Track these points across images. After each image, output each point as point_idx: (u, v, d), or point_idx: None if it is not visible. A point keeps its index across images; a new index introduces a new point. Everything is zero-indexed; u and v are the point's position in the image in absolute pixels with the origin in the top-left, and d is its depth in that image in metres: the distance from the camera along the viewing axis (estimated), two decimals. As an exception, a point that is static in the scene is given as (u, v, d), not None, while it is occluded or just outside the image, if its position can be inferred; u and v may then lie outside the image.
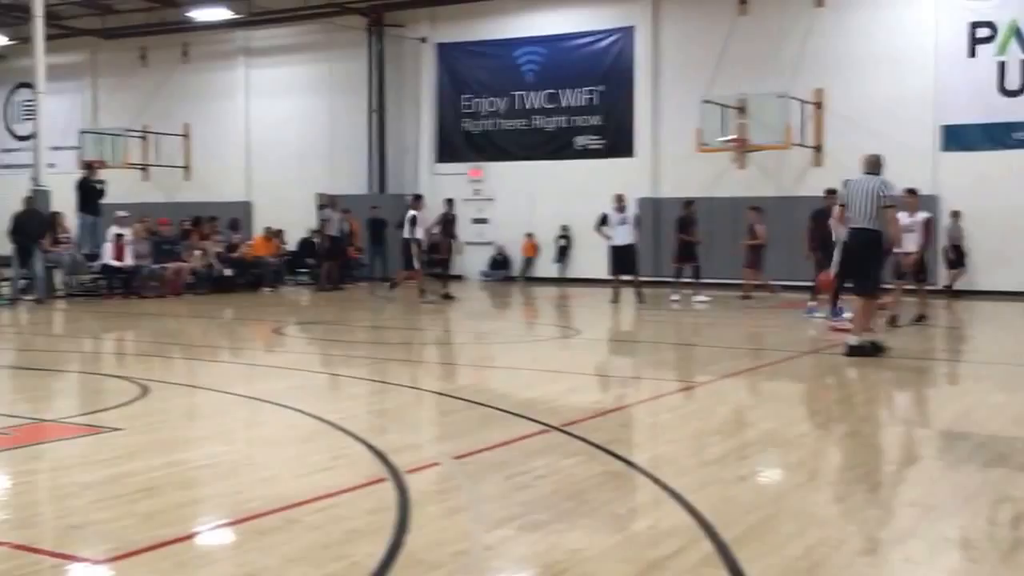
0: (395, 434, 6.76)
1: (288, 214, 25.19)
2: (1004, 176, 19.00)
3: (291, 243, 24.02)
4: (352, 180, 26.09)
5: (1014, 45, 19.55)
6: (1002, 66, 19.61)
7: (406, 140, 26.39)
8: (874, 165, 10.44)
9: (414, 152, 26.24)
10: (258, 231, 24.53)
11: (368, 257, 24.06)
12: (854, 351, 10.21)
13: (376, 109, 26.13)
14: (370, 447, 6.01)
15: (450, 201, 20.93)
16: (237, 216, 24.46)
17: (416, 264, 17.94)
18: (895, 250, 12.16)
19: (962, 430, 7.13)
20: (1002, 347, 12.41)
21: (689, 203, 18.67)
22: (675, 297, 17.87)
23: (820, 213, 14.62)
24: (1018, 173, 18.84)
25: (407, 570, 3.92)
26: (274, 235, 22.93)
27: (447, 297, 18.28)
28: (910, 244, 12.92)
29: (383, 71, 26.14)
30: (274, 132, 27.61)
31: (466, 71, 25.40)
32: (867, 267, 10.41)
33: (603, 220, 17.70)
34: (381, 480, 5.25)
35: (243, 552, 4.22)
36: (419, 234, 17.86)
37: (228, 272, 20.83)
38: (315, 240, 23.26)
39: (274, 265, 22.22)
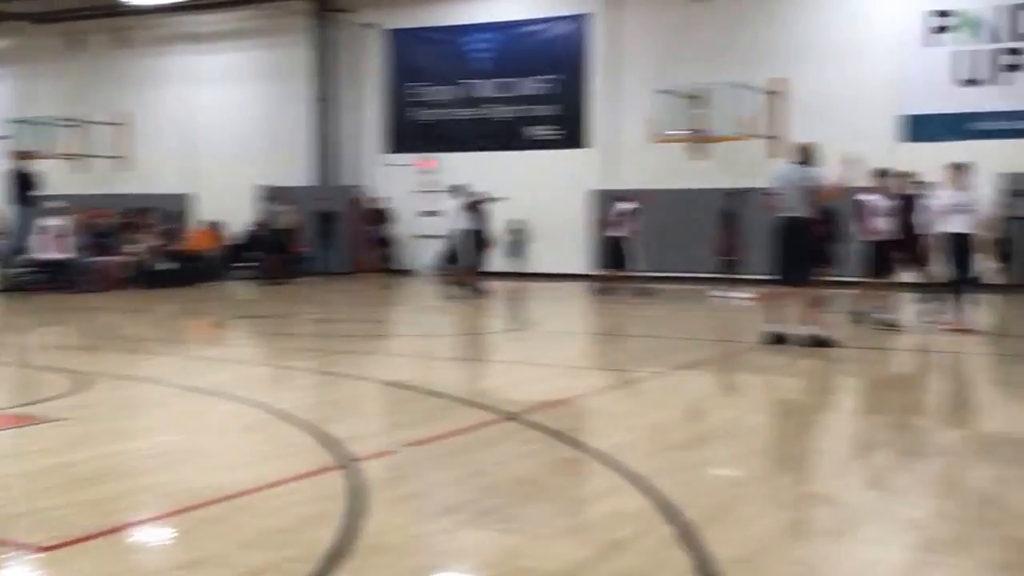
0: (346, 423, 6.62)
1: (231, 206, 24.69)
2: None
3: (234, 235, 23.57)
4: (296, 171, 25.69)
5: (971, 35, 19.48)
6: (959, 56, 19.55)
7: (353, 130, 26.08)
8: (804, 154, 10.46)
9: (362, 142, 25.96)
10: (199, 223, 24.07)
11: (314, 250, 23.74)
12: (811, 342, 10.20)
13: (322, 97, 25.79)
14: (321, 436, 5.88)
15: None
16: (177, 208, 23.99)
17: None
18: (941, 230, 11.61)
19: (917, 419, 7.20)
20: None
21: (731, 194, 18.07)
22: (715, 293, 17.36)
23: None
24: (977, 163, 19.00)
25: (362, 553, 3.83)
26: (216, 227, 22.50)
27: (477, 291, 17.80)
28: (955, 224, 11.64)
29: (329, 58, 25.82)
30: (216, 121, 26.99)
31: (416, 58, 25.12)
32: (795, 255, 10.32)
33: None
34: (333, 468, 5.14)
35: (194, 539, 4.10)
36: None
37: (167, 266, 20.40)
38: (259, 232, 22.87)
39: (214, 258, 21.73)
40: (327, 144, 25.92)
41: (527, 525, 4.22)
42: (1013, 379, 9.27)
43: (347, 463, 5.19)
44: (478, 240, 17.94)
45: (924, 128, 19.77)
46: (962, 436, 6.46)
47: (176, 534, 4.23)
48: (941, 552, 4.02)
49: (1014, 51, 19.27)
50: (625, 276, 18.34)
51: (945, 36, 19.70)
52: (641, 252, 18.26)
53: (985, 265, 13.05)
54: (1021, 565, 3.77)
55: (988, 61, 19.45)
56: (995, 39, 19.39)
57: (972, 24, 19.54)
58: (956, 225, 11.58)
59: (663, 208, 20.68)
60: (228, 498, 4.54)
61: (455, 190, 17.59)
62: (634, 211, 18.03)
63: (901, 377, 9.59)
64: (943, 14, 19.70)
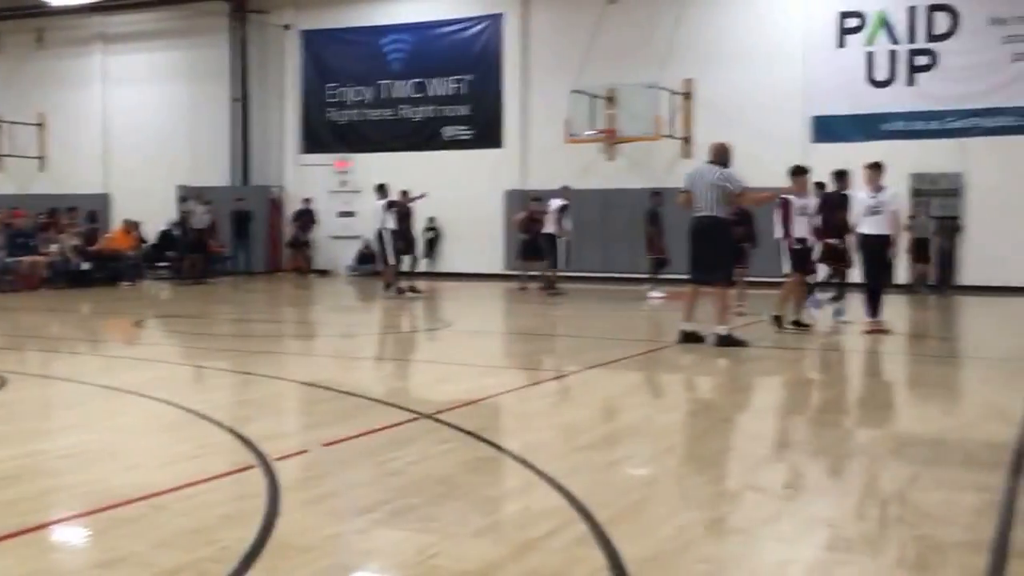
0: (262, 423, 6.61)
1: (148, 206, 24.31)
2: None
3: (151, 236, 23.23)
4: (214, 171, 25.39)
5: (882, 36, 19.84)
6: (870, 57, 19.90)
7: (270, 130, 25.83)
8: (718, 154, 10.59)
9: (279, 143, 25.71)
10: (116, 224, 23.59)
11: (232, 250, 23.48)
12: (725, 342, 10.38)
13: (239, 98, 25.50)
14: (237, 436, 5.87)
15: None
16: (95, 208, 23.54)
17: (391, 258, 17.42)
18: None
19: (829, 418, 7.31)
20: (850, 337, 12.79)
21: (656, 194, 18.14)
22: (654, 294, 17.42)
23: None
24: (887, 163, 19.51)
25: (278, 553, 3.85)
26: (133, 228, 22.11)
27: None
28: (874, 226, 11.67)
29: (246, 58, 25.52)
30: (133, 121, 26.60)
31: (331, 59, 24.98)
32: (713, 255, 10.43)
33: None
34: (249, 467, 5.14)
35: (109, 539, 4.08)
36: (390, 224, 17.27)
37: (85, 266, 20.03)
38: (176, 233, 22.55)
39: (133, 259, 21.45)
40: (245, 144, 25.66)
41: (442, 524, 4.26)
42: (926, 380, 9.37)
43: (264, 463, 5.19)
44: (401, 240, 17.92)
45: (836, 129, 20.02)
46: (875, 436, 6.54)
47: (92, 534, 4.20)
48: (852, 551, 4.03)
49: (923, 52, 19.61)
50: (544, 275, 18.51)
51: (856, 37, 19.98)
52: (564, 251, 18.40)
53: (902, 265, 13.31)
54: (932, 565, 3.80)
55: (898, 62, 19.76)
56: (905, 40, 19.73)
57: (883, 26, 19.84)
58: (870, 227, 11.66)
59: (578, 208, 20.85)
60: (145, 497, 4.52)
61: (380, 189, 17.54)
62: (563, 208, 18.14)
63: (814, 377, 9.65)
64: (854, 16, 20.01)
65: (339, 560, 3.89)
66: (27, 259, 18.91)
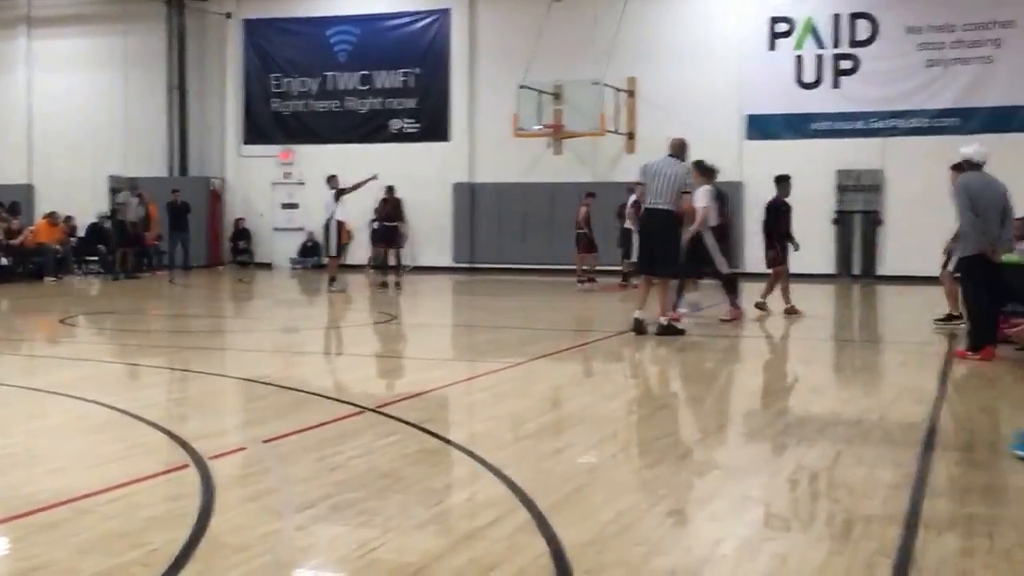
0: (198, 421, 6.44)
1: (76, 198, 23.70)
2: (802, 164, 19.95)
3: (80, 228, 22.50)
4: (150, 162, 24.85)
5: (810, 41, 20.66)
6: (799, 60, 20.71)
7: (211, 120, 25.39)
8: (679, 149, 10.66)
9: (219, 133, 25.29)
10: (41, 216, 22.91)
11: (168, 244, 22.94)
12: (663, 330, 10.52)
13: (177, 87, 25.02)
14: (171, 435, 5.69)
15: None
16: (17, 199, 22.70)
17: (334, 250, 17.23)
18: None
19: (760, 402, 7.55)
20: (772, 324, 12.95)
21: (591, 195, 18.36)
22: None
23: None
24: (815, 161, 19.90)
25: (211, 554, 3.72)
26: (60, 220, 21.40)
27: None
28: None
29: (184, 46, 25.03)
30: (61, 109, 25.65)
31: (275, 49, 24.64)
32: (664, 247, 10.54)
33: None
34: (183, 467, 4.98)
35: (29, 546, 3.88)
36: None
37: (4, 261, 19.37)
38: (106, 225, 21.93)
39: (59, 252, 20.67)
40: (183, 135, 25.19)
41: (384, 518, 4.18)
42: (848, 364, 9.83)
43: (199, 462, 5.03)
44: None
45: (768, 127, 20.84)
46: (802, 418, 6.77)
47: (9, 542, 3.99)
48: (780, 528, 4.23)
49: (847, 57, 20.57)
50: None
51: (786, 42, 20.83)
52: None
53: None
54: (854, 538, 3.95)
55: (824, 66, 20.66)
56: (830, 46, 20.62)
57: (810, 31, 20.69)
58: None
59: (526, 201, 20.88)
60: (68, 501, 4.33)
61: (331, 180, 17.27)
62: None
63: (747, 363, 9.98)
64: (784, 21, 20.80)
65: (276, 557, 3.77)
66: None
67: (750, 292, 13.64)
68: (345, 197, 16.90)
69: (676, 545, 3.91)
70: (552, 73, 20.99)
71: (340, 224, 17.18)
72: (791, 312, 12.88)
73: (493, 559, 3.67)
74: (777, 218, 12.91)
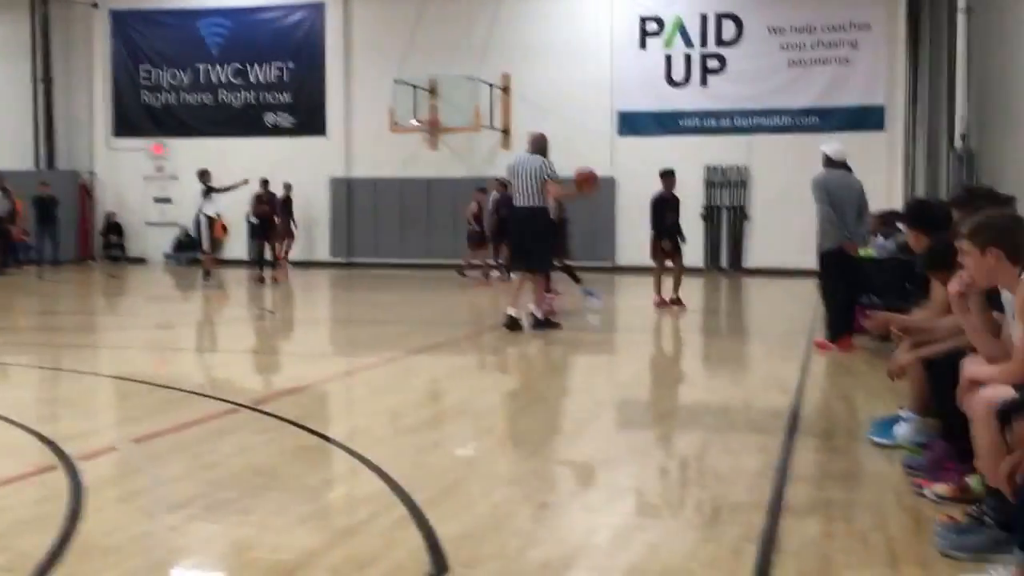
0: (68, 421, 6.29)
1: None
2: (671, 160, 20.45)
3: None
4: (15, 155, 23.84)
5: (678, 40, 21.12)
6: (669, 59, 21.15)
7: (79, 113, 24.51)
8: (536, 144, 10.81)
9: (88, 126, 24.45)
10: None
11: (35, 239, 22.10)
12: (538, 324, 10.68)
13: (43, 79, 24.10)
14: (39, 436, 5.54)
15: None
16: None
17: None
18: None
19: (631, 394, 7.73)
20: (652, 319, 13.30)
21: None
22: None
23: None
24: (684, 157, 20.38)
25: (81, 557, 3.66)
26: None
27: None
28: None
29: (49, 37, 24.11)
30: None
31: (144, 41, 23.95)
32: (533, 242, 10.67)
33: None
34: (51, 469, 4.86)
35: None
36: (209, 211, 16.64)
37: None
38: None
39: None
40: (50, 127, 24.27)
41: (261, 516, 4.17)
42: (715, 354, 10.20)
43: (67, 463, 4.93)
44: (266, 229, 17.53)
45: (639, 124, 21.27)
46: (672, 407, 7.04)
47: None
48: (652, 516, 4.38)
49: (714, 56, 21.13)
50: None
51: (656, 40, 21.29)
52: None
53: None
54: (721, 523, 4.10)
55: (692, 65, 21.18)
56: (698, 45, 21.14)
57: (679, 31, 21.18)
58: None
59: (403, 197, 20.83)
60: (-72, 507, 4.20)
61: (203, 176, 16.91)
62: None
63: (620, 355, 10.22)
64: (654, 20, 21.25)
65: (149, 559, 3.74)
66: None
67: (619, 286, 13.95)
68: (215, 194, 16.70)
69: (550, 536, 3.97)
70: (428, 68, 21.06)
71: (211, 219, 16.88)
72: (676, 303, 13.15)
73: (370, 554, 3.70)
74: (664, 212, 13.17)
